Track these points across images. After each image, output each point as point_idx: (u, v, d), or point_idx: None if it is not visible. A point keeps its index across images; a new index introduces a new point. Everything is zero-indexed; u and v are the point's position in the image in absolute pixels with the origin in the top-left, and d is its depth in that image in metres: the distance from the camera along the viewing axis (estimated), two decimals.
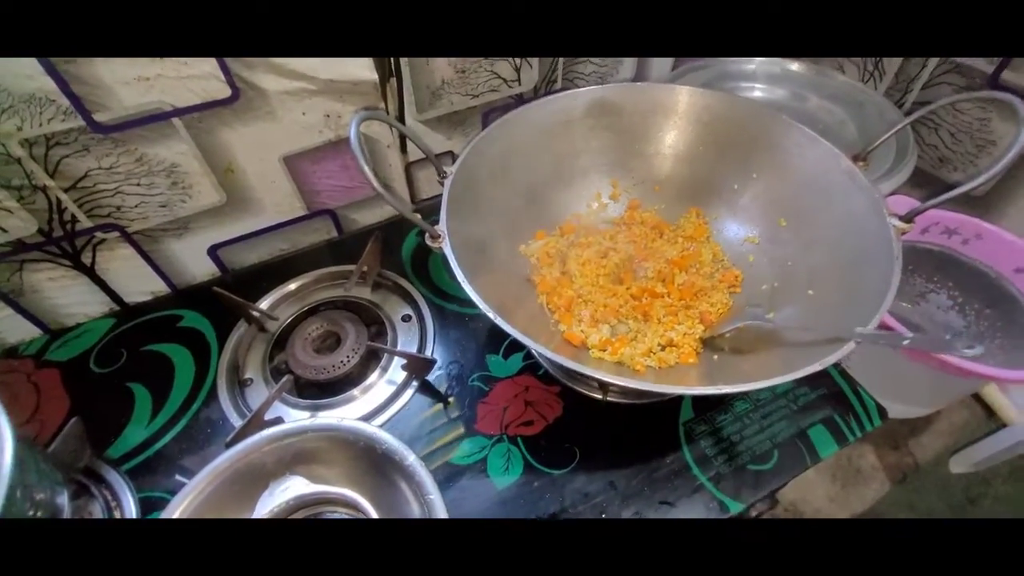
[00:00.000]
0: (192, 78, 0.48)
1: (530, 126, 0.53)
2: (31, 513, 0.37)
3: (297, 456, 0.42)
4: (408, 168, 0.69)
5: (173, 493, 0.45)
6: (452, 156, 0.70)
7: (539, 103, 0.53)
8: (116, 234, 0.55)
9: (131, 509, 0.45)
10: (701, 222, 0.56)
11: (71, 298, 0.57)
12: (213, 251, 0.62)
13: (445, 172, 0.47)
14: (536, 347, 0.35)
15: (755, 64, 0.75)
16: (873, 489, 0.54)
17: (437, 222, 0.42)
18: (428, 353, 0.55)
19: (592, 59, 0.75)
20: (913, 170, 0.62)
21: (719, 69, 0.75)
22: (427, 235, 0.41)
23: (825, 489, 0.55)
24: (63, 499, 0.40)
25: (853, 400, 0.50)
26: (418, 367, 0.52)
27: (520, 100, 0.69)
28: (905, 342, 0.32)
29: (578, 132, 0.55)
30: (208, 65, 0.48)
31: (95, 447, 0.48)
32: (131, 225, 0.55)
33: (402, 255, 0.64)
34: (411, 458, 0.40)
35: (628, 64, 0.77)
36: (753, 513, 0.46)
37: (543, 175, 0.55)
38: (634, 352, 0.45)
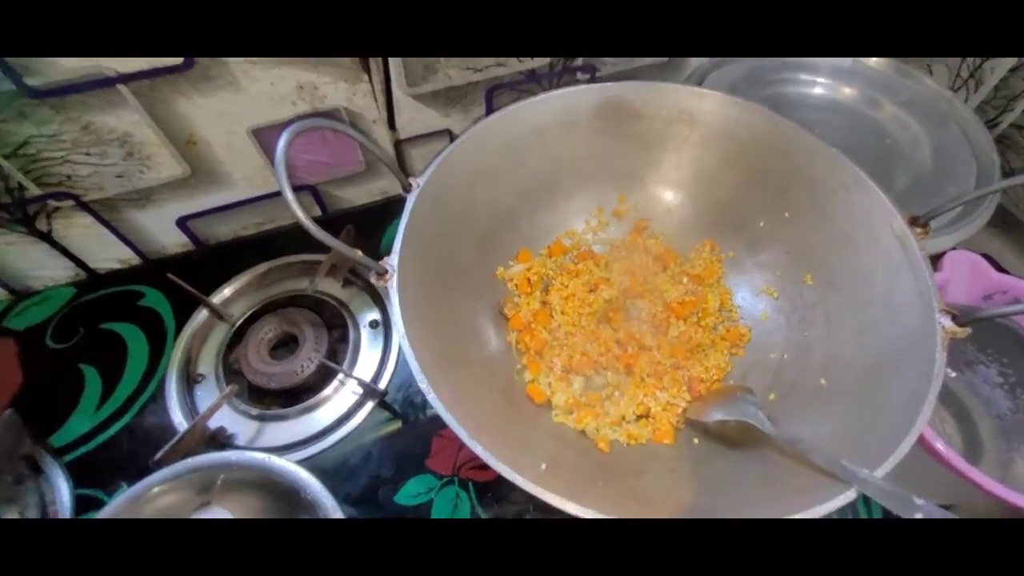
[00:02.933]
0: None
1: (525, 125, 0.45)
2: None
3: (222, 487, 0.39)
4: (398, 146, 0.61)
5: (110, 495, 0.45)
6: (450, 135, 0.62)
7: (539, 100, 0.44)
8: (70, 202, 0.51)
9: (66, 507, 0.44)
10: (714, 258, 0.47)
11: (31, 262, 0.55)
12: (183, 222, 0.58)
13: (410, 184, 0.40)
14: (477, 447, 0.29)
15: None
16: None
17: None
18: (389, 371, 0.50)
19: None
20: (995, 209, 0.51)
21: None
22: (371, 272, 0.35)
23: None
24: None
25: (860, 507, 0.44)
26: (372, 394, 0.48)
27: (531, 77, 0.59)
28: (917, 515, 0.25)
29: (584, 135, 0.47)
30: None
31: (40, 433, 0.47)
32: (86, 194, 0.51)
33: (380, 249, 0.59)
34: (335, 516, 0.36)
35: None
36: None
37: (537, 181, 0.47)
38: (600, 424, 0.39)
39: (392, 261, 0.36)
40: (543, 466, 0.32)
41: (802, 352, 0.40)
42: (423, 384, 0.31)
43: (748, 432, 0.36)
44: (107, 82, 0.44)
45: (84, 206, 0.52)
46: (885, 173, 0.53)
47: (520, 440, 0.36)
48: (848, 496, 0.27)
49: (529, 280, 0.46)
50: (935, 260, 0.43)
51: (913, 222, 0.36)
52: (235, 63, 0.46)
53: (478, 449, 0.29)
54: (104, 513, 0.36)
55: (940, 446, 0.37)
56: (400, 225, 0.37)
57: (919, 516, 0.25)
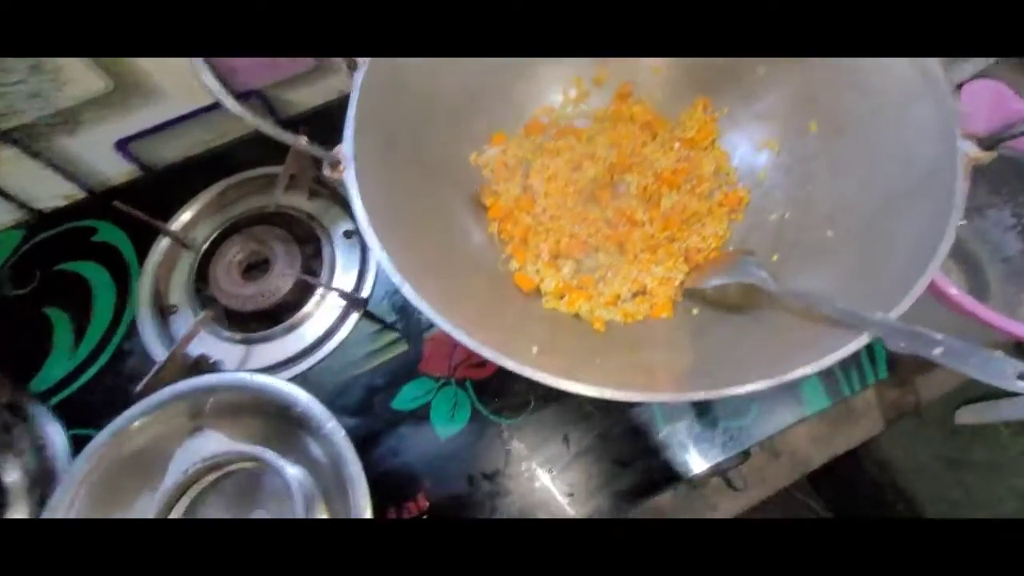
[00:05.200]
0: None
1: None
2: None
3: (213, 409, 0.38)
4: None
5: None
6: None
7: None
8: None
9: (62, 446, 0.43)
10: (708, 118, 0.43)
11: None
12: (122, 146, 0.52)
13: (355, 62, 0.34)
14: (458, 334, 0.27)
15: None
16: (862, 428, 0.50)
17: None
18: (370, 280, 0.48)
19: None
20: None
21: None
22: (324, 163, 0.31)
23: (808, 427, 0.50)
24: None
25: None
26: (354, 304, 0.46)
27: None
28: (936, 351, 0.23)
29: None
30: None
31: (16, 381, 0.45)
32: (2, 121, 0.45)
33: None
34: (329, 424, 0.35)
35: None
36: (722, 465, 0.42)
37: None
38: (594, 305, 0.37)
39: (345, 149, 0.32)
40: (534, 349, 0.30)
41: (805, 208, 0.37)
42: (396, 279, 0.29)
43: (749, 295, 0.34)
44: None
45: (5, 136, 0.46)
46: None
47: (513, 329, 0.34)
48: (860, 342, 0.26)
49: (506, 164, 0.42)
50: None
51: None
52: None
53: (463, 338, 0.27)
54: (88, 449, 0.35)
55: (952, 289, 0.35)
56: (349, 108, 0.33)
57: (939, 352, 0.23)
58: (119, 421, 0.35)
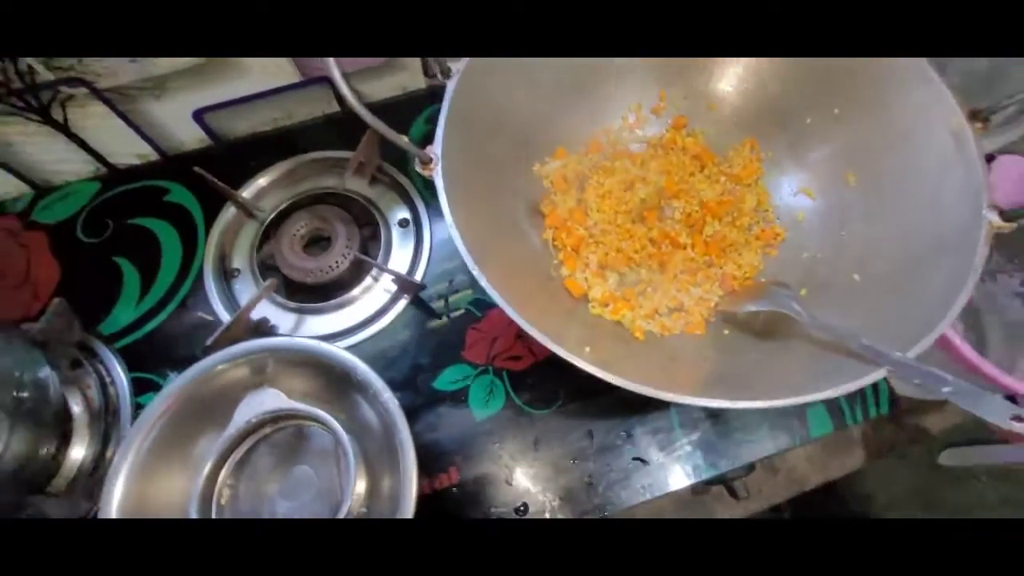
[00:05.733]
0: None
1: None
2: (14, 395, 0.38)
3: (274, 370, 0.42)
4: None
5: (163, 378, 0.47)
6: None
7: None
8: (84, 90, 0.49)
9: (124, 386, 0.47)
10: (754, 158, 0.47)
11: (51, 155, 0.54)
12: (199, 116, 0.56)
13: (449, 69, 0.38)
14: (520, 320, 0.31)
15: None
16: (855, 457, 0.54)
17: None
18: (421, 269, 0.51)
19: None
20: None
21: None
22: (416, 159, 0.35)
23: (806, 451, 0.54)
24: (47, 377, 0.41)
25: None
26: (407, 288, 0.49)
27: None
28: (946, 389, 0.27)
29: None
30: None
31: (86, 322, 0.48)
32: (99, 81, 0.49)
33: None
34: (386, 395, 0.39)
35: None
36: (728, 475, 0.45)
37: (576, 75, 0.45)
38: (636, 315, 0.40)
39: (436, 149, 0.35)
40: (587, 349, 0.33)
41: (837, 250, 0.41)
42: (475, 271, 0.32)
43: (777, 324, 0.38)
44: None
45: (98, 94, 0.49)
46: (936, 68, 0.50)
47: (561, 327, 0.38)
48: (878, 374, 0.29)
49: (565, 178, 0.46)
50: None
51: (974, 116, 0.35)
52: None
53: (528, 327, 0.30)
54: (168, 388, 0.38)
55: (958, 341, 0.39)
56: (442, 112, 0.36)
57: (948, 390, 0.27)
58: (198, 367, 0.39)
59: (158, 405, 0.38)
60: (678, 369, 0.37)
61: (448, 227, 0.33)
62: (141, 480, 0.37)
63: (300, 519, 0.34)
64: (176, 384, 0.39)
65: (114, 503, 0.36)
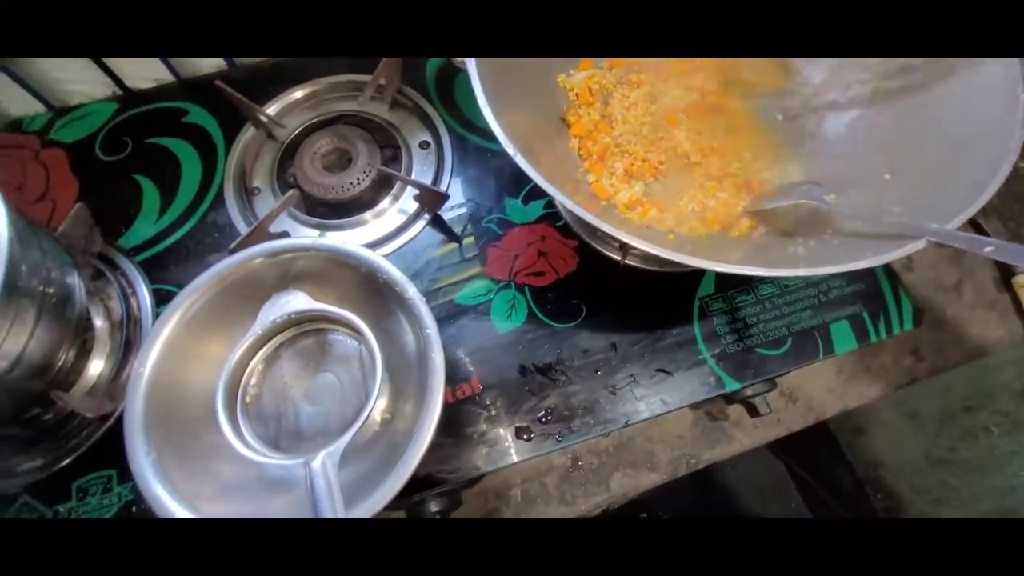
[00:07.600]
0: None
1: None
2: (41, 289, 0.38)
3: (300, 272, 0.41)
4: None
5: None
6: None
7: None
8: None
9: (145, 298, 0.47)
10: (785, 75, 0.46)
11: (69, 74, 0.53)
12: None
13: None
14: (560, 196, 0.31)
15: None
16: (875, 388, 0.54)
17: None
18: (443, 187, 0.51)
19: None
20: None
21: None
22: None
23: (826, 379, 0.54)
24: (73, 279, 0.41)
25: (890, 300, 0.47)
26: (431, 200, 0.49)
27: None
28: (988, 249, 0.27)
29: None
30: None
31: (106, 236, 0.48)
32: None
33: (426, 71, 0.56)
34: (411, 291, 0.39)
35: None
36: (748, 392, 0.45)
37: None
38: (664, 216, 0.40)
39: None
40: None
41: (867, 151, 0.41)
42: (510, 148, 0.32)
43: (805, 224, 0.38)
44: None
45: None
46: None
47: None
48: (917, 245, 0.29)
49: (590, 89, 0.45)
50: None
51: None
52: None
53: (562, 197, 0.30)
54: (196, 281, 0.38)
55: None
56: None
57: (989, 249, 0.27)
58: (225, 263, 0.39)
59: (185, 297, 0.38)
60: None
61: (483, 111, 0.33)
62: (167, 370, 0.37)
63: (300, 519, 0.33)
64: (202, 279, 0.38)
65: (141, 391, 0.36)
